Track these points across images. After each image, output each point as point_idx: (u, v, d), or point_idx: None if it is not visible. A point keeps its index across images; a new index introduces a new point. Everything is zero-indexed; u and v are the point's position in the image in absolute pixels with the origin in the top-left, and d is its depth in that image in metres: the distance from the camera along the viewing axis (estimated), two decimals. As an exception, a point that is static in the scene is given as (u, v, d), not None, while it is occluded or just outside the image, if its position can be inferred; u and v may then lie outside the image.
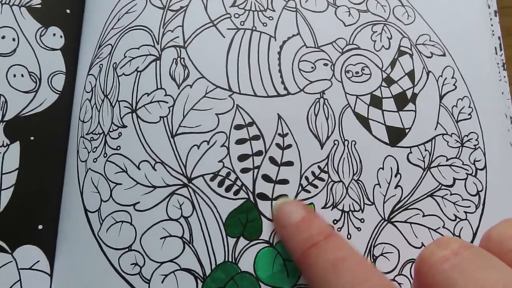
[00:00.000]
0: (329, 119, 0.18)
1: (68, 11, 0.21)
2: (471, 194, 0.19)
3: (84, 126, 0.19)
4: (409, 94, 0.19)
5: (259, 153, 0.17)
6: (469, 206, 0.19)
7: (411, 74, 0.20)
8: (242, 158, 0.17)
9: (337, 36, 0.20)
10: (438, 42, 0.21)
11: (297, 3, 0.20)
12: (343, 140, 0.18)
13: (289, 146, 0.18)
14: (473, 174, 0.19)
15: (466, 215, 0.18)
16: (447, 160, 0.19)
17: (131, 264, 0.17)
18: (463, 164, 0.19)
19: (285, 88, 0.18)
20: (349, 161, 0.18)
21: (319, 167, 0.18)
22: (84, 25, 0.21)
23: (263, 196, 0.17)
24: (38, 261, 0.19)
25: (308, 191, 0.17)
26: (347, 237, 0.17)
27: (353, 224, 0.17)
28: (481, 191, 0.19)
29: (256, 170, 0.17)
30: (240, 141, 0.17)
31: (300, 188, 0.17)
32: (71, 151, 0.20)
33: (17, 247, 0.18)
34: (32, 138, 0.19)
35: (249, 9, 0.19)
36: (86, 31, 0.21)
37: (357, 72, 0.19)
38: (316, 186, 0.17)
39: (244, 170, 0.17)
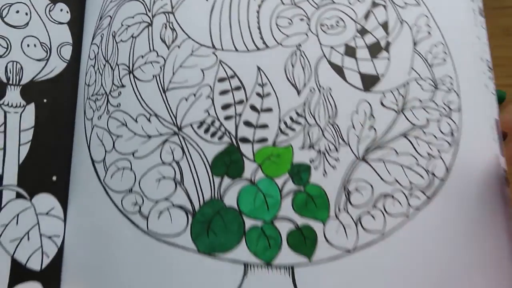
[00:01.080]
0: (305, 68, 0.21)
1: (72, -11, 0.25)
2: (444, 134, 0.21)
3: (89, 89, 0.23)
4: (383, 43, 0.22)
5: (240, 102, 0.21)
6: (442, 145, 0.21)
7: (384, 25, 0.22)
8: (225, 107, 0.21)
9: None
10: None
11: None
12: (319, 87, 0.21)
13: (268, 94, 0.21)
14: (447, 115, 0.21)
15: (439, 153, 0.21)
16: (421, 102, 0.21)
17: (132, 204, 0.20)
18: (437, 106, 0.21)
19: (264, 43, 0.21)
20: (325, 106, 0.21)
21: (296, 112, 0.20)
22: (87, 1, 0.25)
23: (244, 140, 0.20)
24: (53, 207, 0.22)
25: (286, 134, 0.20)
26: (323, 175, 0.20)
27: (328, 163, 0.20)
28: (455, 130, 0.21)
29: (238, 117, 0.20)
30: (223, 92, 0.21)
31: (279, 132, 0.20)
32: (79, 112, 0.23)
33: (35, 195, 0.22)
34: (45, 100, 0.23)
35: (229, -27, 0.22)
36: (89, 6, 0.25)
37: (331, 25, 0.22)
38: (293, 129, 0.20)
39: (227, 118, 0.20)
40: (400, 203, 0.19)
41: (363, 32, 0.21)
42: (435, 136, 0.20)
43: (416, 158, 0.20)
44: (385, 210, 0.19)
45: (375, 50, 0.21)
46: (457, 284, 0.19)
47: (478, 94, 0.21)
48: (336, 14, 0.21)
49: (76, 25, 0.24)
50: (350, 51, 0.21)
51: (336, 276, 0.19)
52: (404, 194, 0.20)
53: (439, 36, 0.22)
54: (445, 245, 0.19)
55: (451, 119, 0.21)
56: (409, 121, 0.20)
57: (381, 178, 0.20)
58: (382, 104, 0.20)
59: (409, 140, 0.20)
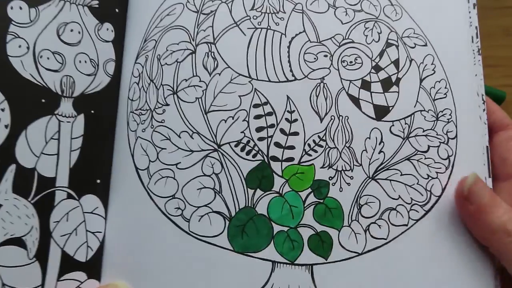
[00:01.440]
0: (327, 99, 0.25)
1: (117, 10, 0.28)
2: (442, 158, 0.26)
3: (133, 103, 0.27)
4: (393, 78, 0.26)
5: (272, 125, 0.25)
6: (440, 168, 0.25)
7: (396, 62, 0.27)
8: (259, 129, 0.25)
9: (335, 33, 0.26)
10: (421, 34, 0.27)
11: (303, 6, 0.27)
12: (338, 116, 0.25)
13: (296, 120, 0.25)
14: (445, 142, 0.26)
15: (437, 174, 0.25)
16: (424, 131, 0.26)
17: (175, 208, 0.25)
18: (437, 134, 0.26)
19: (293, 75, 0.25)
20: (343, 132, 0.25)
21: (318, 136, 0.25)
22: (128, 23, 0.29)
23: (275, 159, 0.25)
24: (97, 207, 0.26)
25: (310, 155, 0.25)
26: (339, 190, 0.24)
27: (344, 180, 0.25)
28: (451, 155, 0.26)
29: (269, 139, 0.25)
30: (257, 117, 0.25)
31: (304, 153, 0.25)
32: (120, 123, 0.27)
33: (82, 195, 0.26)
34: (92, 111, 0.27)
35: (265, 11, 0.26)
36: (130, 27, 0.28)
37: (351, 62, 0.26)
38: (316, 151, 0.25)
39: (260, 139, 0.25)
40: (402, 215, 0.24)
41: (377, 68, 0.26)
42: (434, 160, 0.25)
43: (417, 178, 0.25)
44: (389, 220, 0.24)
45: (387, 84, 0.26)
46: (448, 281, 0.23)
47: (473, 124, 0.26)
48: (355, 52, 0.26)
49: (119, 43, 0.28)
50: (365, 85, 0.25)
51: (347, 274, 0.23)
52: (406, 208, 0.24)
53: (442, 73, 0.26)
54: (438, 250, 0.24)
55: (449, 146, 0.25)
56: (413, 146, 0.25)
57: (387, 195, 0.24)
58: (391, 131, 0.25)
59: (412, 163, 0.25)
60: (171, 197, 0.25)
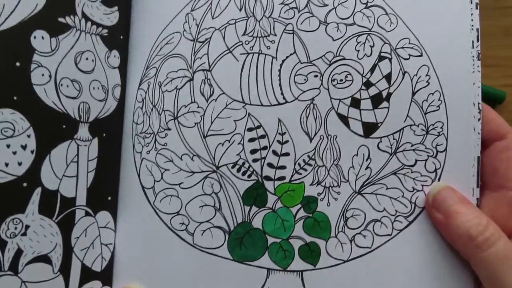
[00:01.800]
0: (317, 119, 0.28)
1: (121, 37, 0.31)
2: (429, 171, 0.28)
3: (137, 127, 0.30)
4: (384, 93, 0.28)
5: (264, 147, 0.28)
6: (426, 180, 0.28)
7: (388, 76, 0.28)
8: (253, 151, 0.28)
9: (326, 51, 0.28)
10: (417, 44, 0.29)
11: (294, 26, 0.28)
12: (327, 135, 0.28)
13: (287, 141, 0.28)
14: (434, 155, 0.28)
15: (422, 187, 0.28)
16: (412, 145, 0.28)
17: (180, 224, 0.28)
18: (425, 148, 0.28)
19: (284, 98, 0.28)
20: (331, 151, 0.28)
21: (308, 156, 0.28)
22: (130, 50, 0.31)
23: (268, 178, 0.28)
24: (109, 221, 0.31)
25: (300, 174, 0.28)
26: (327, 205, 0.27)
27: (332, 196, 0.28)
28: (438, 168, 0.28)
29: (263, 160, 0.28)
30: (251, 140, 0.28)
31: (294, 172, 0.28)
32: (125, 144, 0.31)
33: (97, 212, 0.30)
34: (104, 134, 0.30)
35: (257, 36, 0.28)
36: (133, 54, 0.31)
37: (341, 80, 0.28)
38: (306, 170, 0.28)
39: (255, 160, 0.28)
40: (386, 226, 0.28)
41: (368, 84, 0.28)
42: (420, 174, 0.28)
43: (402, 191, 0.28)
44: (373, 231, 0.27)
45: (377, 101, 0.28)
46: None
47: (465, 136, 0.29)
48: (345, 70, 0.28)
49: (123, 69, 0.31)
50: (355, 103, 0.27)
51: (334, 279, 0.28)
52: (390, 219, 0.27)
53: (437, 85, 0.28)
54: (421, 258, 0.28)
55: (437, 159, 0.28)
56: (400, 161, 0.28)
57: (373, 207, 0.27)
58: (378, 148, 0.28)
59: (398, 177, 0.27)
60: (176, 214, 0.29)
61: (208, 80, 0.29)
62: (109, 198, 0.32)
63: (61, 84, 0.29)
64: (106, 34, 0.31)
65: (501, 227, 0.27)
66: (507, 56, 0.43)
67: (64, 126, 0.29)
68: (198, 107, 0.29)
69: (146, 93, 0.31)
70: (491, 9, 0.43)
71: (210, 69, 0.29)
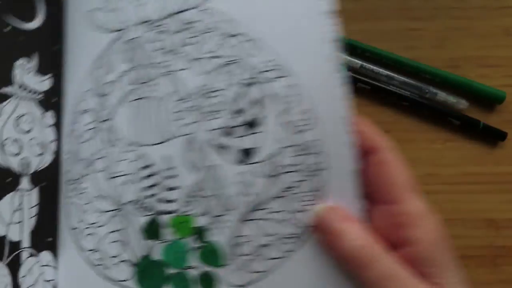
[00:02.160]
0: (198, 152, 0.30)
1: (56, 99, 0.36)
2: (312, 191, 0.29)
3: (67, 175, 0.35)
4: (256, 119, 0.29)
5: (157, 184, 0.30)
6: (310, 200, 0.28)
7: (257, 101, 0.29)
8: (146, 189, 0.31)
9: (199, 85, 0.30)
10: (282, 64, 0.29)
11: (170, 67, 0.31)
12: (209, 166, 0.30)
13: (175, 176, 0.30)
14: (315, 175, 0.28)
15: (308, 207, 0.28)
16: (292, 166, 0.29)
17: (98, 259, 0.32)
18: (306, 168, 0.29)
19: (167, 135, 0.30)
20: (214, 181, 0.30)
21: (195, 187, 0.30)
22: (62, 108, 0.36)
23: (161, 212, 0.30)
24: (50, 260, 0.35)
25: (190, 205, 0.30)
26: (218, 234, 0.29)
27: (221, 224, 0.30)
28: (322, 187, 0.28)
29: (155, 196, 0.30)
30: (145, 177, 0.31)
31: (184, 204, 0.30)
32: (62, 191, 0.35)
33: (40, 252, 0.35)
34: (43, 184, 0.35)
35: (142, 82, 0.31)
36: (64, 111, 0.36)
37: (213, 111, 0.30)
38: (194, 201, 0.30)
39: (149, 196, 0.31)
40: (277, 249, 0.28)
41: (239, 112, 0.29)
42: (304, 194, 0.28)
43: (289, 214, 0.28)
44: (266, 255, 0.28)
45: (250, 126, 0.29)
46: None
47: (342, 152, 0.29)
48: (215, 101, 0.29)
49: (59, 125, 0.36)
50: (229, 132, 0.29)
51: None
52: (280, 242, 0.28)
53: (308, 103, 0.29)
54: (316, 278, 0.27)
55: (318, 177, 0.28)
56: (282, 184, 0.28)
57: (262, 233, 0.28)
58: (259, 172, 0.28)
59: (282, 200, 0.28)
60: (95, 250, 0.32)
61: (111, 128, 0.33)
62: (50, 239, 0.37)
63: (4, 145, 0.36)
64: (42, 98, 0.37)
65: (385, 241, 0.26)
66: (507, 56, 0.43)
67: (8, 180, 0.35)
68: (104, 153, 0.33)
69: (69, 146, 0.36)
70: (491, 9, 0.43)
71: (112, 118, 0.33)
